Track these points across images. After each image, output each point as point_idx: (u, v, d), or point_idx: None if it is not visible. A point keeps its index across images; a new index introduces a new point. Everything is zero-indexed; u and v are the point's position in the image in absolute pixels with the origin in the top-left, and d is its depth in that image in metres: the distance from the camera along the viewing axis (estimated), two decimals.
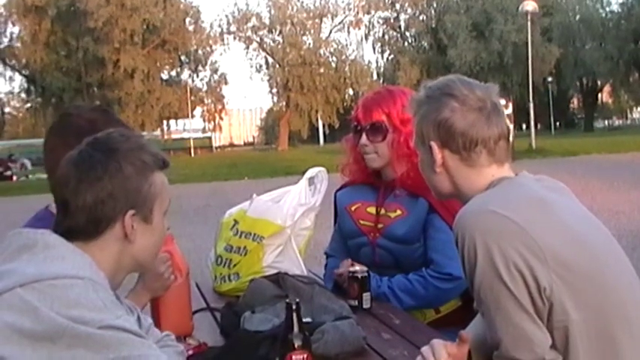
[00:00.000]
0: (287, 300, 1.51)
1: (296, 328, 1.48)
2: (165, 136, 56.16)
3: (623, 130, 52.88)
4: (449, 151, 1.61)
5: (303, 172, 2.64)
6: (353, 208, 2.54)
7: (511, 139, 1.78)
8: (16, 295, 1.26)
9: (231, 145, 79.20)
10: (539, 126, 46.54)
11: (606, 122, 69.66)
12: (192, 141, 51.06)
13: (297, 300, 1.50)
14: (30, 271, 1.30)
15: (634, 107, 63.85)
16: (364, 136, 2.42)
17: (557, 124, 57.68)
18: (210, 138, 59.99)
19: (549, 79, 50.93)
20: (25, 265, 1.32)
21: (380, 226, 2.44)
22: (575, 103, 65.77)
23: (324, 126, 55.21)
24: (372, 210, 2.48)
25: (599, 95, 60.97)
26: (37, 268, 1.31)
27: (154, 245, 1.51)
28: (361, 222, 2.50)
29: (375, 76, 53.77)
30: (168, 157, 1.53)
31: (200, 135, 58.15)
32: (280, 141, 50.89)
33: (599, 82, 57.40)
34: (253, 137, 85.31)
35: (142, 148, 1.47)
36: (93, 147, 1.45)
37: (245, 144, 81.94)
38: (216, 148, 61.43)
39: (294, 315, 1.48)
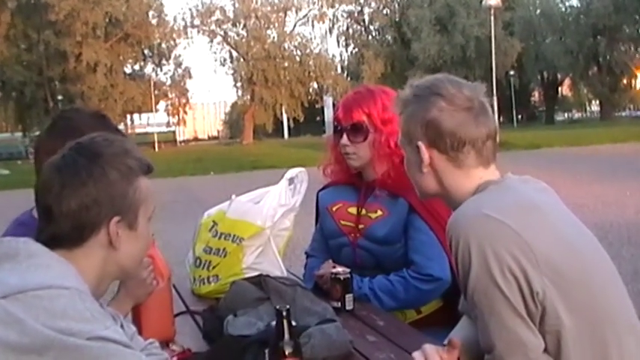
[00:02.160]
0: (277, 307, 1.49)
1: (287, 335, 1.47)
2: (129, 131, 55.56)
3: (583, 122, 53.87)
4: (437, 151, 1.60)
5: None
6: (334, 209, 2.53)
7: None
8: None
9: (196, 139, 78.71)
10: (501, 119, 47.13)
11: (566, 115, 70.79)
12: (156, 135, 50.60)
13: (288, 307, 1.48)
14: (13, 282, 1.26)
15: (593, 100, 64.94)
16: (345, 137, 2.40)
17: (520, 117, 58.54)
18: (174, 132, 59.65)
19: (511, 72, 51.65)
20: (8, 275, 1.29)
21: (361, 226, 2.43)
22: (536, 96, 66.77)
23: (288, 120, 55.16)
24: (353, 210, 2.47)
25: (560, 89, 62.01)
26: (20, 278, 1.27)
27: (138, 252, 1.48)
28: (342, 222, 2.49)
29: (339, 70, 53.89)
30: (152, 162, 1.50)
31: (164, 129, 57.74)
32: (245, 135, 50.69)
33: (559, 76, 58.42)
34: (218, 131, 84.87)
35: (127, 153, 1.44)
36: (77, 152, 1.41)
37: (209, 138, 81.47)
38: (180, 142, 61.13)
39: (285, 322, 1.46)
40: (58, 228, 1.37)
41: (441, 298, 2.38)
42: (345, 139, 2.40)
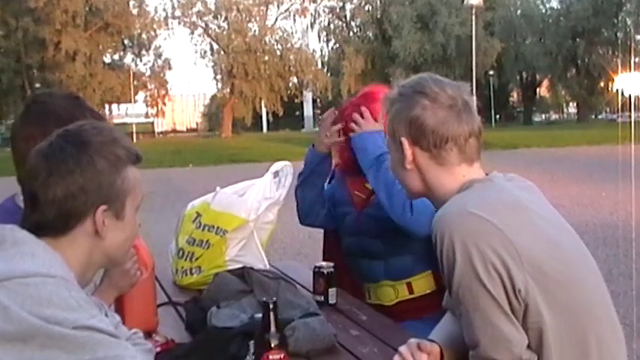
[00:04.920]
0: (264, 299, 1.49)
1: (273, 328, 1.47)
2: (107, 121, 55.14)
3: (560, 124, 54.50)
4: (419, 148, 1.62)
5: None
6: (351, 180, 2.54)
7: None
8: None
9: (174, 130, 78.17)
10: (480, 118, 47.32)
11: (544, 116, 71.34)
12: (134, 126, 50.24)
13: (274, 299, 1.48)
14: None
15: (570, 102, 65.55)
16: None
17: (498, 116, 58.90)
18: (152, 123, 59.28)
19: (491, 72, 51.96)
20: None
21: (372, 198, 2.43)
22: (515, 96, 67.19)
23: (267, 114, 55.05)
24: (370, 186, 2.43)
25: (538, 89, 62.47)
26: (6, 265, 1.26)
27: (125, 241, 1.47)
28: (356, 193, 2.51)
29: (319, 65, 53.80)
30: (141, 152, 1.49)
31: (142, 120, 57.35)
32: (224, 128, 50.47)
33: (538, 77, 58.85)
34: (196, 123, 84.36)
35: (115, 142, 1.43)
36: (64, 139, 1.40)
37: (188, 130, 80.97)
38: (158, 133, 60.79)
39: (271, 314, 1.46)
40: (44, 216, 1.35)
41: (434, 283, 2.35)
42: None
